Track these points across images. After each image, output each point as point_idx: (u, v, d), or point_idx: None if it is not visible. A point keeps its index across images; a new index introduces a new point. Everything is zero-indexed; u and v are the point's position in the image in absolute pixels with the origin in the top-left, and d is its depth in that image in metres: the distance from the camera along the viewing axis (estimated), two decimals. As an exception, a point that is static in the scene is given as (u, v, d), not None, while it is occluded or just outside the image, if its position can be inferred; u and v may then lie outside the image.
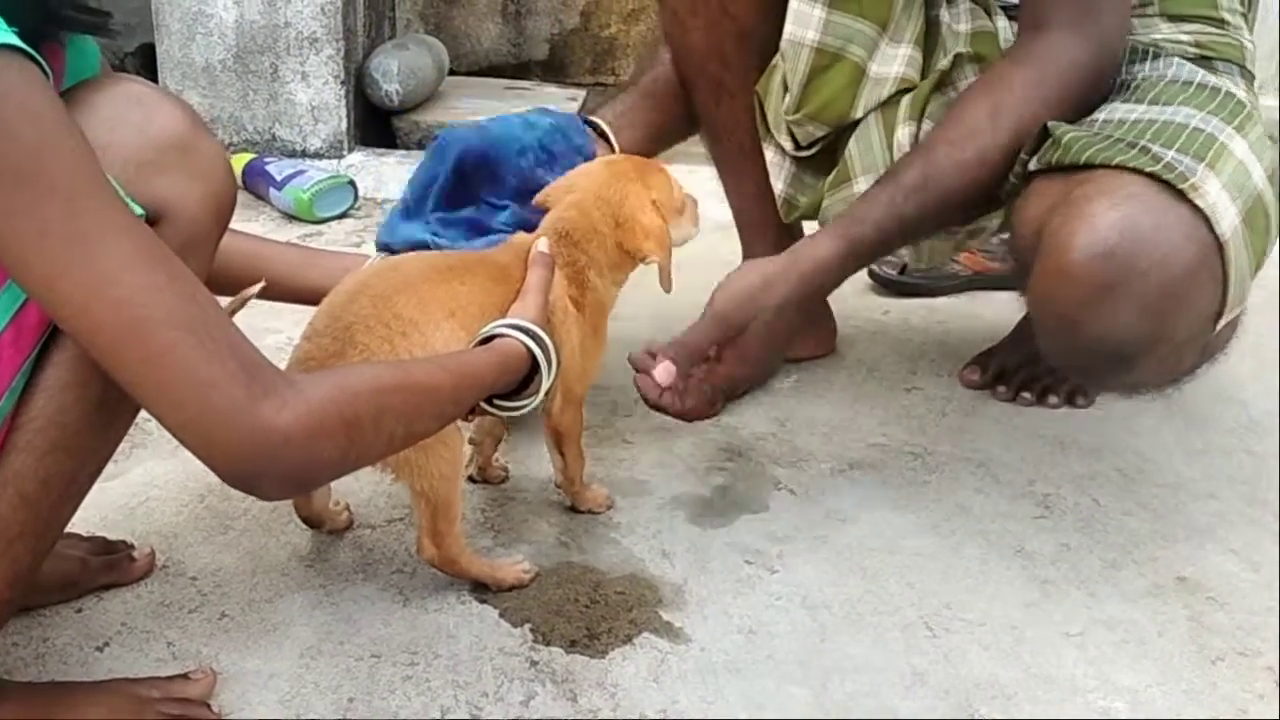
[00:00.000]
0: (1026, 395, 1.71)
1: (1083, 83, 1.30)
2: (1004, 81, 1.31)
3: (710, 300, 1.29)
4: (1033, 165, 1.28)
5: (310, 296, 1.27)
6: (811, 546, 1.35)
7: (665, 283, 1.30)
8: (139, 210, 0.89)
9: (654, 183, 1.32)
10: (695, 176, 1.63)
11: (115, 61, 3.20)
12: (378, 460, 1.05)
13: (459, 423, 1.16)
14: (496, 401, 1.14)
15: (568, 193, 1.32)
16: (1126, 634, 1.22)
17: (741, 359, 1.30)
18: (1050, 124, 1.27)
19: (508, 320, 1.15)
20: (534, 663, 1.14)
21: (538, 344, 1.14)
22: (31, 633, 1.14)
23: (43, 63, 0.82)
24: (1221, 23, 1.40)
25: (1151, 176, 1.17)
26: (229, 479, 0.88)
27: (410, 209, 1.47)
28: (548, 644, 1.17)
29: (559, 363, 1.17)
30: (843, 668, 1.16)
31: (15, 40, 0.79)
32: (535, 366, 1.14)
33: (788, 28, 1.46)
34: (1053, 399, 1.70)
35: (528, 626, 1.19)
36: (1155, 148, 1.20)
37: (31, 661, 1.10)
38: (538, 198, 1.35)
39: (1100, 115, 1.31)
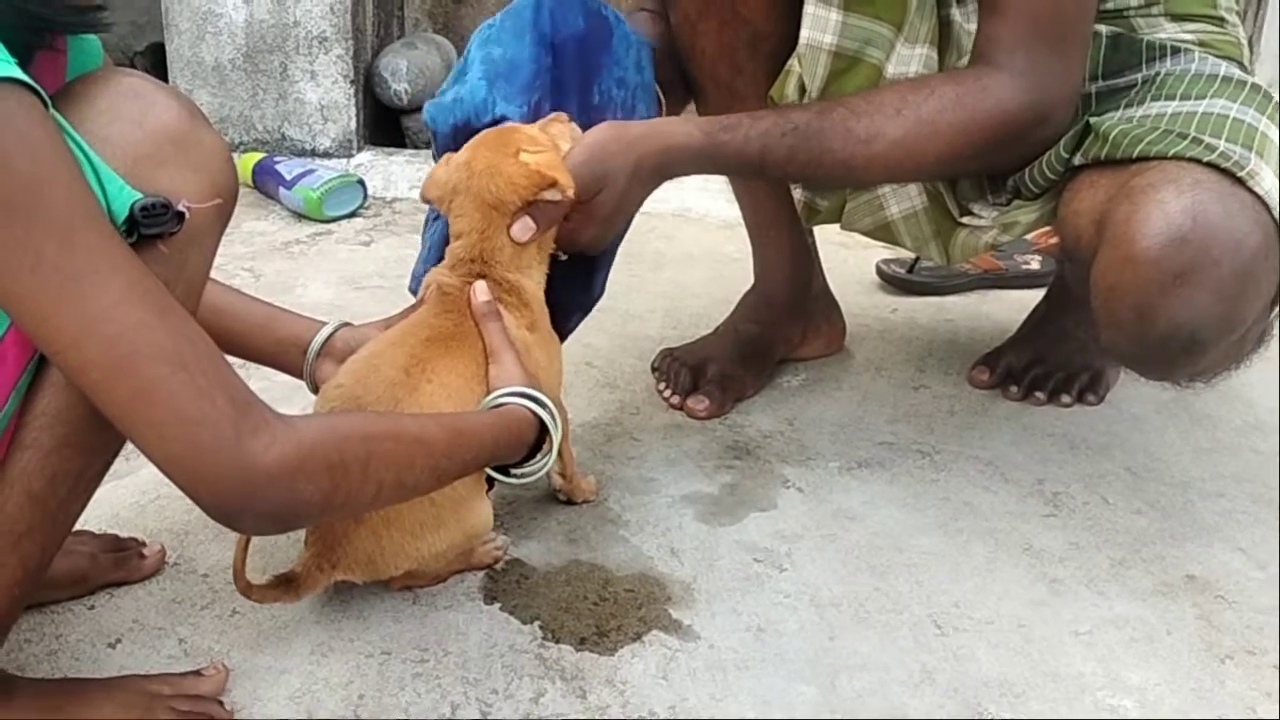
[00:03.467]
0: (1039, 395, 1.70)
1: (999, 128, 1.28)
2: (928, 88, 1.30)
3: (566, 158, 1.24)
4: (1077, 160, 1.28)
5: (264, 359, 1.28)
6: (820, 545, 1.35)
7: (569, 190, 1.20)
8: (138, 197, 0.88)
9: (513, 140, 1.22)
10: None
11: (125, 60, 3.21)
12: (366, 507, 1.05)
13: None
14: (513, 471, 1.16)
15: (447, 201, 1.24)
16: (1135, 632, 1.22)
17: (589, 219, 1.27)
18: (1092, 119, 1.28)
19: (502, 390, 1.15)
20: (543, 660, 1.14)
21: (539, 406, 1.15)
22: (44, 630, 1.14)
23: (43, 93, 0.81)
24: (1221, 21, 1.41)
25: (1209, 165, 1.18)
26: (211, 513, 0.89)
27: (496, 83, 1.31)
28: (557, 641, 1.17)
29: (559, 416, 1.18)
30: (851, 666, 1.16)
31: (15, 72, 0.79)
32: (543, 429, 1.16)
33: (804, 32, 1.45)
34: (1065, 398, 1.70)
35: (537, 624, 1.19)
36: (1206, 138, 1.21)
37: (44, 658, 1.11)
38: (425, 192, 1.26)
39: (1136, 113, 1.31)
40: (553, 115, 1.29)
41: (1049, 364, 1.72)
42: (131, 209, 0.87)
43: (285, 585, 1.13)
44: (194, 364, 0.84)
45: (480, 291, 1.20)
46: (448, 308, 1.21)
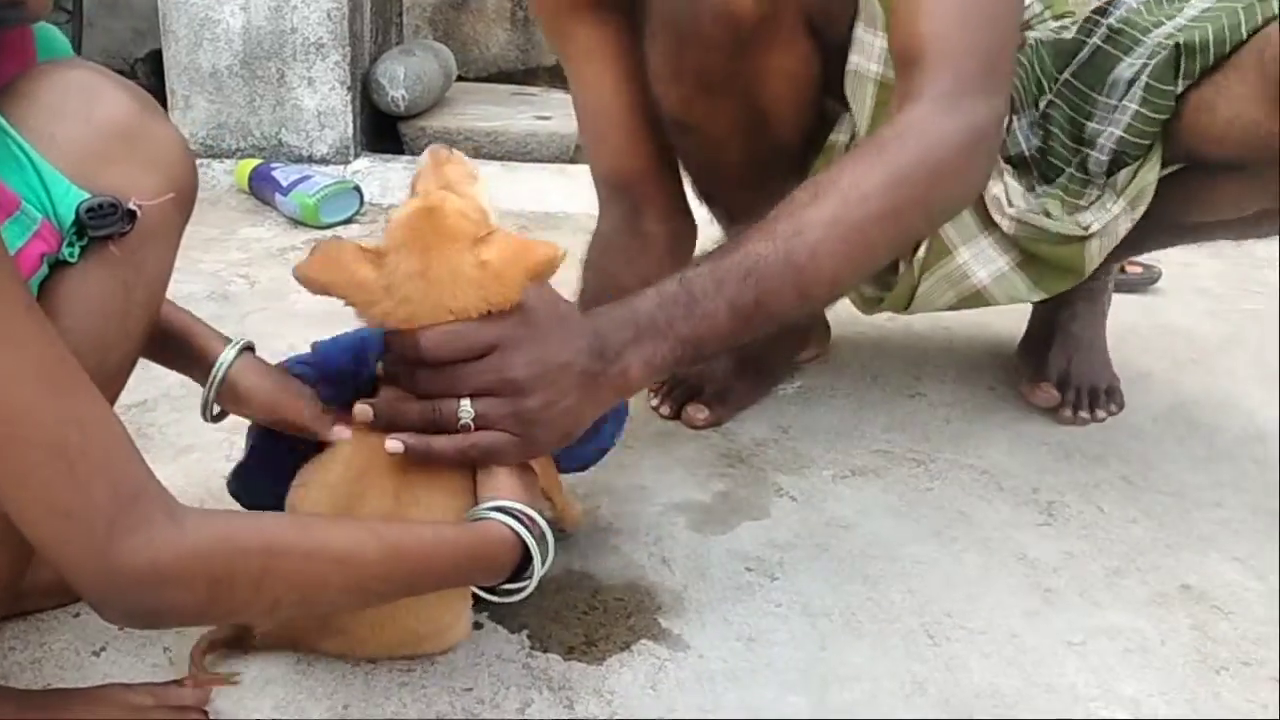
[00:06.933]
0: (1083, 414, 1.66)
1: (955, 156, 1.12)
2: (845, 159, 1.14)
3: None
4: (1180, 86, 1.30)
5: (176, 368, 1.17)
6: (812, 554, 1.34)
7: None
8: (84, 197, 0.85)
9: (453, 229, 0.99)
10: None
11: (126, 67, 3.22)
12: (262, 619, 1.00)
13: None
14: (499, 588, 1.04)
15: (382, 308, 0.99)
16: (1129, 643, 1.21)
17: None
18: (1180, 42, 1.29)
19: (486, 504, 1.01)
20: (531, 669, 1.13)
21: (522, 523, 1.00)
22: (28, 637, 1.13)
23: None
24: None
25: None
26: (82, 598, 0.86)
27: None
28: (545, 650, 1.16)
29: (552, 537, 1.04)
30: (842, 676, 1.15)
31: None
32: (527, 549, 1.01)
33: (851, 57, 1.39)
34: (1100, 413, 1.66)
35: (525, 633, 1.18)
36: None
37: (28, 666, 1.10)
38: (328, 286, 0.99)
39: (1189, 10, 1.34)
40: (446, 156, 1.08)
41: (1079, 376, 1.69)
42: (77, 211, 0.84)
43: (235, 643, 1.10)
44: (78, 453, 0.77)
45: None
46: None
